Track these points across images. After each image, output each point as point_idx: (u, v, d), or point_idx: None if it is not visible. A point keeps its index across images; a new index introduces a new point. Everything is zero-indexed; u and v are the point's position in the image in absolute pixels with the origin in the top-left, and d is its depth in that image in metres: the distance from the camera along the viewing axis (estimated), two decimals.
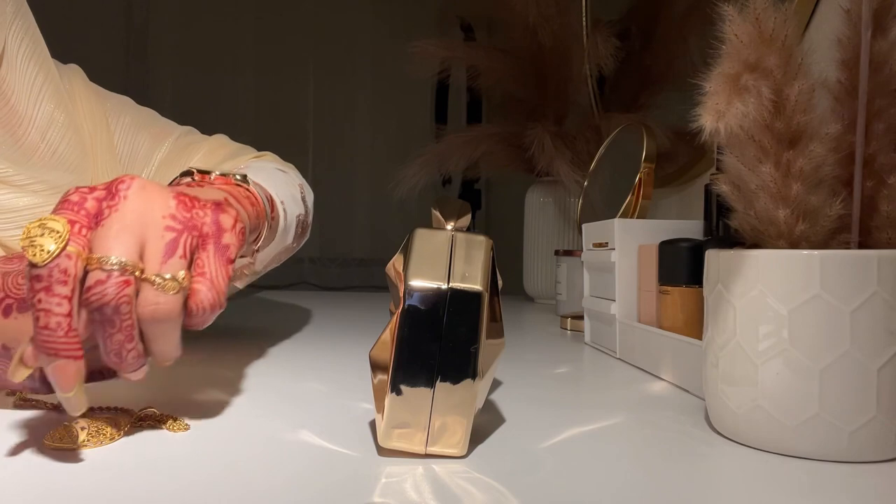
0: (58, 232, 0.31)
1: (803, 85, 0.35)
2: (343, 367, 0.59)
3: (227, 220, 0.36)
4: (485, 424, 0.40)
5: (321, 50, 2.26)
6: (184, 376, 0.54)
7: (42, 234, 0.31)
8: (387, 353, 0.32)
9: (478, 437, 0.38)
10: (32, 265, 0.31)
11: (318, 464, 0.33)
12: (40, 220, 0.32)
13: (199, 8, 2.17)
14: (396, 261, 0.37)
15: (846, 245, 0.37)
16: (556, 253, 1.04)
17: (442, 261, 0.33)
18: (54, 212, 0.33)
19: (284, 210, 0.54)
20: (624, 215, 0.72)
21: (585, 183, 0.90)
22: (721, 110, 0.33)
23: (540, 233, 1.20)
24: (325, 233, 2.41)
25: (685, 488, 0.31)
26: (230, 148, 0.71)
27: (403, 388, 0.32)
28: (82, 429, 0.36)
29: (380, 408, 0.34)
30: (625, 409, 0.46)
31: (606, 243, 0.69)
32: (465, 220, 0.37)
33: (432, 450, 0.34)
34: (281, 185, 0.58)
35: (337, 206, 2.38)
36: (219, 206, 0.36)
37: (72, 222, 0.32)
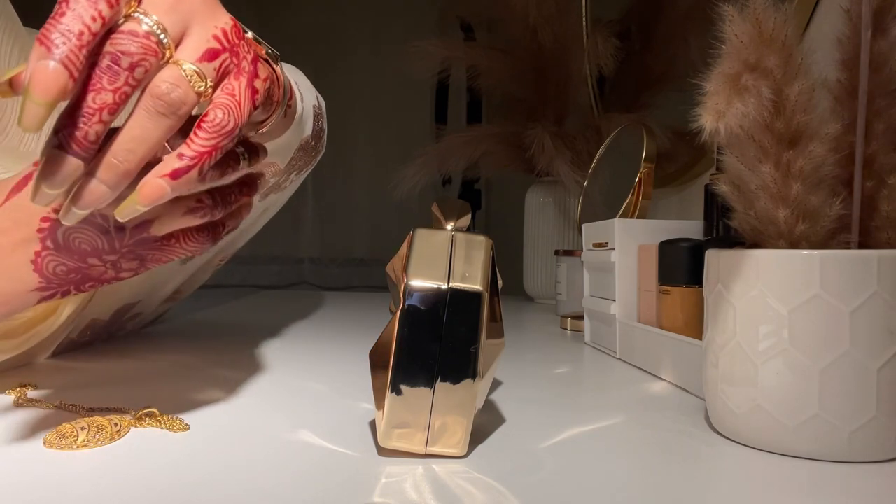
0: None
1: (803, 85, 0.35)
2: (343, 367, 0.59)
3: (262, 70, 0.36)
4: (485, 424, 0.40)
5: (321, 50, 2.26)
6: (184, 376, 0.54)
7: None
8: (387, 353, 0.32)
9: (478, 437, 0.38)
10: None
11: (318, 464, 0.33)
12: None
13: None
14: (396, 261, 0.37)
15: (846, 245, 0.37)
16: (556, 253, 1.04)
17: (442, 261, 0.33)
18: None
19: (302, 98, 0.53)
20: (624, 215, 0.72)
21: (585, 183, 0.90)
22: (721, 110, 0.33)
23: (540, 233, 1.20)
24: (325, 233, 2.41)
25: (685, 488, 0.31)
26: None
27: (403, 388, 0.32)
28: (82, 429, 0.36)
29: (380, 408, 0.34)
30: (625, 409, 0.46)
31: (606, 243, 0.69)
32: (465, 220, 0.37)
33: (432, 450, 0.34)
34: (298, 75, 0.56)
35: (337, 206, 2.38)
36: (258, 58, 0.36)
37: None
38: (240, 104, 0.33)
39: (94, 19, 0.29)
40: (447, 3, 1.71)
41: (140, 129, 0.31)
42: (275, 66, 0.43)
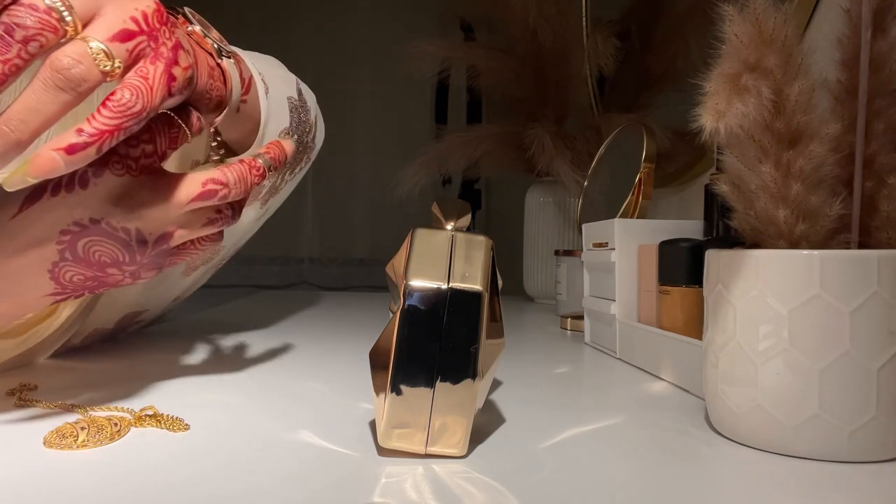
0: None
1: (803, 85, 0.35)
2: (343, 367, 0.59)
3: (184, 59, 0.35)
4: (485, 424, 0.40)
5: (321, 50, 2.26)
6: (184, 376, 0.54)
7: None
8: (387, 353, 0.32)
9: (478, 437, 0.38)
10: None
11: (318, 464, 0.33)
12: None
13: (199, 7, 2.16)
14: (396, 261, 0.37)
15: (846, 245, 0.37)
16: (556, 253, 1.04)
17: (442, 261, 0.33)
18: None
19: (267, 91, 0.51)
20: (624, 215, 0.72)
21: (585, 183, 0.90)
22: (721, 110, 0.33)
23: (540, 233, 1.20)
24: (325, 233, 2.41)
25: (685, 488, 0.31)
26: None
27: (403, 388, 0.32)
28: (82, 429, 0.36)
29: (380, 408, 0.34)
30: (625, 409, 0.46)
31: (606, 243, 0.69)
32: (465, 220, 0.37)
33: (432, 450, 0.34)
34: (270, 66, 0.55)
35: (337, 206, 2.38)
36: (179, 45, 0.35)
37: None
38: (151, 88, 0.32)
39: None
40: (447, 3, 1.71)
41: (35, 101, 0.30)
42: (217, 59, 0.42)
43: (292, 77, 0.62)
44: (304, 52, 2.24)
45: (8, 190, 0.32)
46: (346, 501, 0.29)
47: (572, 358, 0.67)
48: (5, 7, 0.30)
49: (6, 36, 0.29)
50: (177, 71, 0.34)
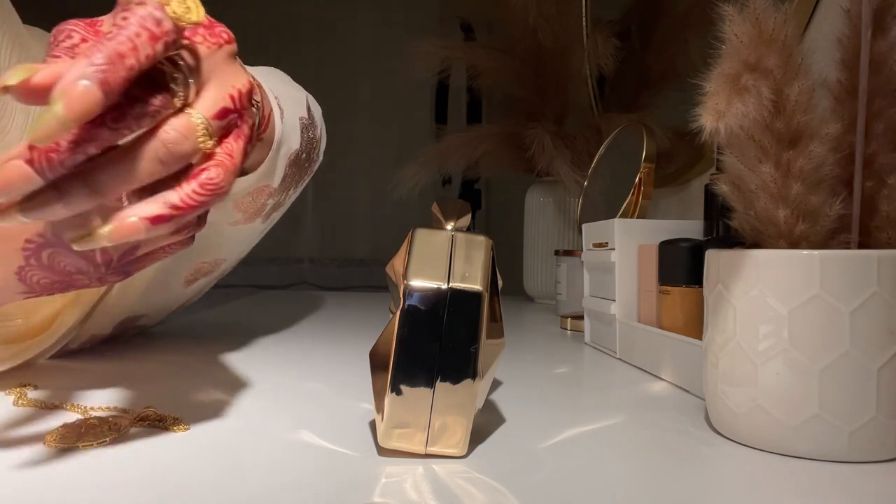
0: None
1: (803, 85, 0.35)
2: (343, 367, 0.59)
3: (253, 135, 0.35)
4: (485, 424, 0.40)
5: (321, 50, 2.26)
6: (184, 376, 0.54)
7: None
8: (387, 353, 0.32)
9: (478, 437, 0.38)
10: (173, 20, 0.29)
11: (318, 464, 0.33)
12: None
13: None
14: (396, 261, 0.37)
15: (846, 245, 0.37)
16: (556, 253, 1.04)
17: (442, 261, 0.33)
18: None
19: (282, 115, 0.51)
20: (624, 215, 0.72)
21: (585, 183, 0.90)
22: (721, 110, 0.33)
23: (540, 233, 1.20)
24: (325, 233, 2.41)
25: (685, 488, 0.31)
26: None
27: (403, 388, 0.32)
28: (82, 429, 0.36)
29: (380, 408, 0.34)
30: (625, 409, 0.46)
31: (606, 243, 0.69)
32: (465, 220, 0.37)
33: (432, 450, 0.34)
34: (282, 84, 0.54)
35: (337, 206, 2.38)
36: (254, 123, 0.35)
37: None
38: (234, 167, 0.32)
39: (147, 56, 0.28)
40: (447, 3, 1.71)
41: (129, 169, 0.30)
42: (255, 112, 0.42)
43: (302, 94, 0.62)
44: (304, 52, 2.24)
45: (76, 248, 0.31)
46: (346, 501, 0.29)
47: (572, 358, 0.67)
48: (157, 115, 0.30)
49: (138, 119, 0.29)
50: (249, 148, 0.34)
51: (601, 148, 0.90)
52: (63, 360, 0.60)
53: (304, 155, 0.59)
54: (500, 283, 0.39)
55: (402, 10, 2.26)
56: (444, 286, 0.33)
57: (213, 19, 0.33)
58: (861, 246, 0.37)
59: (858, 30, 0.36)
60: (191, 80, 0.31)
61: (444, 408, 0.33)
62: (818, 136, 0.35)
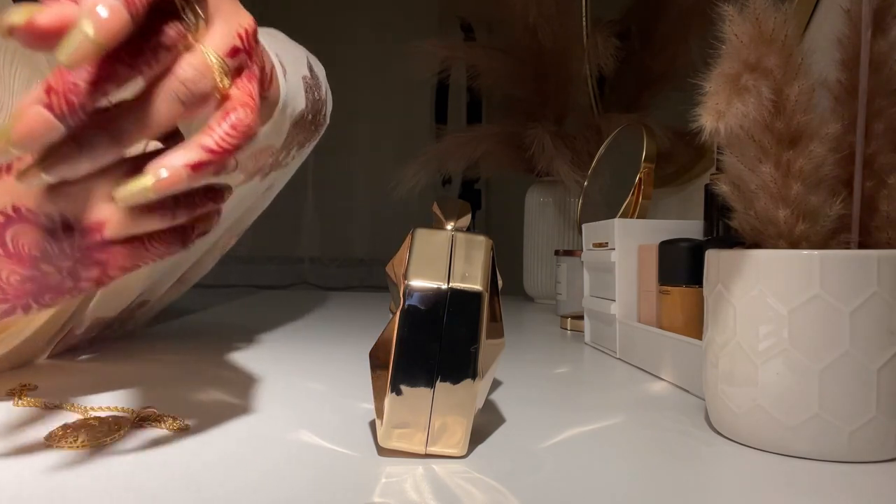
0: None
1: (803, 85, 0.35)
2: (343, 367, 0.59)
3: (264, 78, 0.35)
4: (485, 424, 0.40)
5: (321, 50, 2.26)
6: (184, 376, 0.54)
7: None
8: (387, 353, 0.32)
9: (478, 437, 0.38)
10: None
11: (318, 464, 0.33)
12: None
13: None
14: (396, 261, 0.37)
15: (846, 245, 0.37)
16: (556, 253, 1.04)
17: (442, 261, 0.33)
18: None
19: (285, 73, 0.50)
20: (624, 215, 0.72)
21: (585, 183, 0.90)
22: (721, 110, 0.33)
23: (540, 233, 1.20)
24: (325, 233, 2.41)
25: (685, 488, 0.31)
26: None
27: (403, 388, 0.32)
28: (82, 429, 0.36)
29: (380, 408, 0.34)
30: (625, 409, 0.46)
31: (606, 243, 0.69)
32: (465, 220, 0.37)
33: (432, 450, 0.34)
34: (283, 43, 0.53)
35: (337, 206, 2.38)
36: (263, 64, 0.35)
37: None
38: (257, 107, 0.32)
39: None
40: (447, 3, 1.71)
41: (149, 113, 0.29)
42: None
43: (302, 52, 0.60)
44: None
45: (128, 203, 0.30)
46: (346, 501, 0.29)
47: (572, 358, 0.67)
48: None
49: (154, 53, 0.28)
50: (262, 90, 0.34)
51: (601, 148, 0.90)
52: (63, 359, 0.60)
53: (309, 116, 0.58)
54: (500, 283, 0.39)
55: (402, 10, 2.26)
56: (444, 286, 0.33)
57: None
58: (861, 246, 0.37)
59: (858, 30, 0.36)
60: (200, 13, 0.30)
61: (444, 408, 0.33)
62: (818, 136, 0.35)
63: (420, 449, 0.33)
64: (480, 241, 0.35)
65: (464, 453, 0.34)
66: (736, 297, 0.36)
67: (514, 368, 0.59)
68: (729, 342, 0.37)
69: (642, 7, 1.21)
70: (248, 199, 0.66)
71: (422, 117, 2.30)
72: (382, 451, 0.35)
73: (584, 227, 0.78)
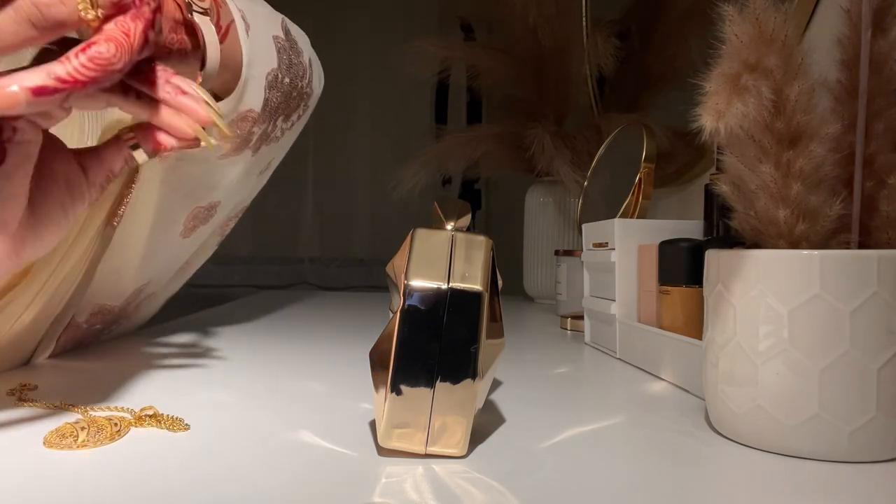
0: None
1: (803, 85, 0.35)
2: (343, 366, 0.59)
3: (157, 25, 0.33)
4: (485, 424, 0.40)
5: (321, 50, 2.26)
6: (184, 376, 0.54)
7: None
8: (387, 353, 0.32)
9: (478, 437, 0.38)
10: None
11: (318, 464, 0.33)
12: None
13: None
14: (396, 261, 0.37)
15: (846, 245, 0.37)
16: (556, 253, 1.04)
17: (442, 261, 0.33)
18: None
19: (247, 29, 0.48)
20: (624, 215, 0.72)
21: (585, 183, 0.90)
22: (721, 110, 0.33)
23: (540, 233, 1.20)
24: (325, 233, 2.42)
25: (685, 488, 0.31)
26: None
27: (403, 388, 0.32)
28: (82, 429, 0.36)
29: (380, 408, 0.34)
30: (625, 409, 0.46)
31: (606, 243, 0.69)
32: (465, 220, 0.37)
33: (432, 450, 0.34)
34: (256, 2, 0.52)
35: (337, 206, 2.38)
36: (160, 9, 0.33)
37: None
38: (131, 47, 0.30)
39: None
40: (447, 3, 1.71)
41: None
42: (186, 14, 0.39)
43: (277, 15, 0.59)
44: None
45: None
46: (346, 501, 0.29)
47: (572, 358, 0.67)
48: None
49: None
50: (150, 34, 0.32)
51: (601, 148, 0.90)
52: (63, 359, 0.60)
53: (286, 80, 0.56)
54: (500, 283, 0.39)
55: (402, 10, 2.26)
56: (444, 286, 0.33)
57: None
58: (861, 246, 0.37)
59: (858, 30, 0.36)
60: None
61: (444, 408, 0.33)
62: (818, 136, 0.35)
63: (420, 449, 0.33)
64: (480, 241, 0.35)
65: (464, 453, 0.34)
66: (736, 297, 0.36)
67: (514, 368, 0.59)
68: (729, 342, 0.37)
69: (642, 7, 1.21)
70: (244, 180, 0.65)
71: (422, 117, 2.30)
72: (382, 451, 0.35)
73: (584, 227, 0.78)
